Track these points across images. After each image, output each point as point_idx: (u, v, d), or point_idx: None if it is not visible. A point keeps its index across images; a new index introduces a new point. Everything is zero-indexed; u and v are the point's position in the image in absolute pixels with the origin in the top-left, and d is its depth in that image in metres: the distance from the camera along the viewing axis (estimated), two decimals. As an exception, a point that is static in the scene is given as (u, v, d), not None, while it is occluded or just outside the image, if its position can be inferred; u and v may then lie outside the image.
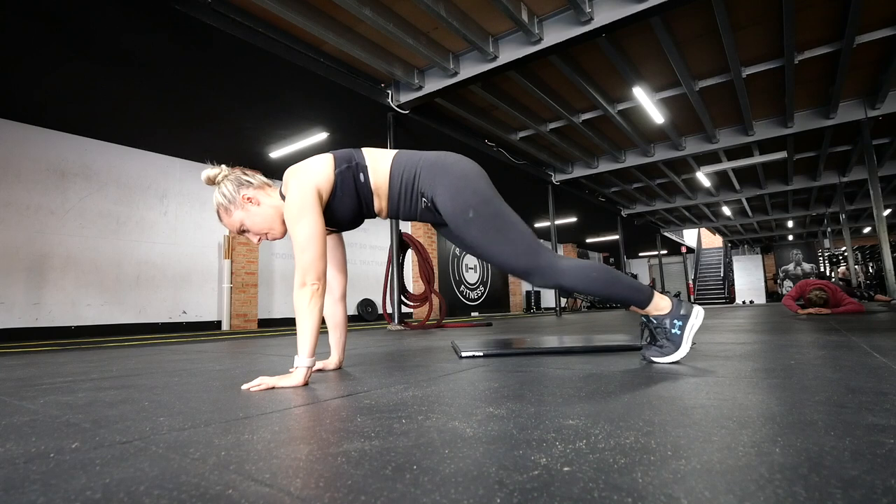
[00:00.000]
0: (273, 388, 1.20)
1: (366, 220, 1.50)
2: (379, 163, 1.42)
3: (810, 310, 4.75)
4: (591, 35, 4.37)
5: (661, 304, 1.45)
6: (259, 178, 1.47)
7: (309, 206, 1.31)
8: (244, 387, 1.21)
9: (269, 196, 1.45)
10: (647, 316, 1.49)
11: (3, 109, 5.39)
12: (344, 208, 1.42)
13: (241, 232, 1.47)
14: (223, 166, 1.46)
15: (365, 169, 1.40)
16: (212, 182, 1.44)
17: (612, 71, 5.55)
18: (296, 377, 1.24)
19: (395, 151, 1.46)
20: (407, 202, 1.43)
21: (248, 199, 1.42)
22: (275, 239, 1.49)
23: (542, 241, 1.48)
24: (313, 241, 1.30)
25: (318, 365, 1.56)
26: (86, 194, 6.20)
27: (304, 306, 1.28)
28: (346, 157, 1.40)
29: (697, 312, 1.46)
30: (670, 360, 1.45)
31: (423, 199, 1.40)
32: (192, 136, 6.46)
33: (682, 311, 1.45)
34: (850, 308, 4.66)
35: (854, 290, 6.62)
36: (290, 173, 1.39)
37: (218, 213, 1.45)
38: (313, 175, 1.35)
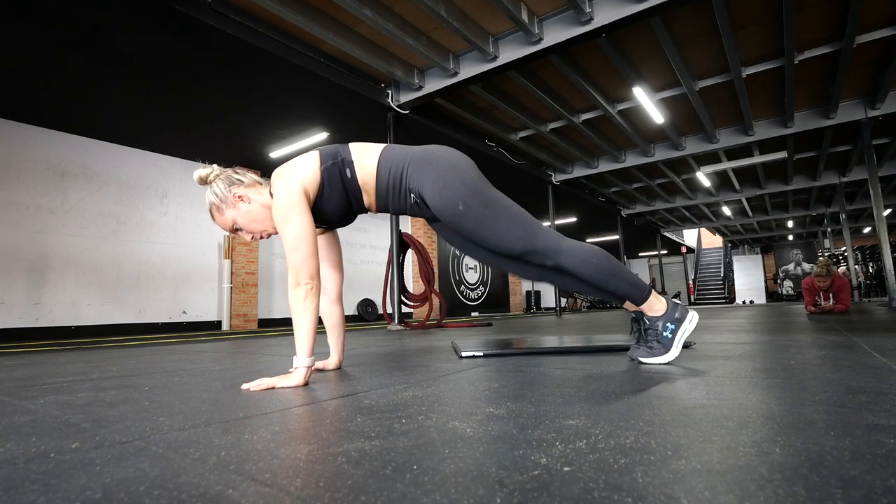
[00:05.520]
0: (273, 388, 1.20)
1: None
2: (366, 158, 1.40)
3: (822, 306, 4.90)
4: (591, 35, 4.37)
5: (656, 306, 1.44)
6: (250, 176, 1.47)
7: (296, 205, 1.30)
8: (244, 386, 1.22)
9: (260, 194, 1.44)
10: (640, 313, 1.47)
11: (3, 109, 5.39)
12: (333, 205, 1.41)
13: (235, 231, 1.46)
14: (214, 165, 1.46)
15: (351, 164, 1.39)
16: (204, 181, 1.44)
17: (612, 71, 5.55)
18: (295, 377, 1.24)
19: (383, 146, 1.44)
20: (396, 197, 1.42)
21: (240, 197, 1.41)
22: (270, 236, 1.49)
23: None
24: (302, 240, 1.29)
25: (318, 365, 1.56)
26: (86, 194, 6.20)
27: (299, 306, 1.28)
28: (331, 154, 1.39)
29: (692, 317, 1.45)
30: (658, 362, 1.43)
31: (412, 194, 1.39)
32: (192, 136, 6.46)
33: (676, 315, 1.43)
34: (839, 307, 4.74)
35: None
36: (276, 174, 1.38)
37: (210, 212, 1.45)
38: (299, 174, 1.34)
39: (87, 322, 6.05)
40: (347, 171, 1.38)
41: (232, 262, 7.55)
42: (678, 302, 1.49)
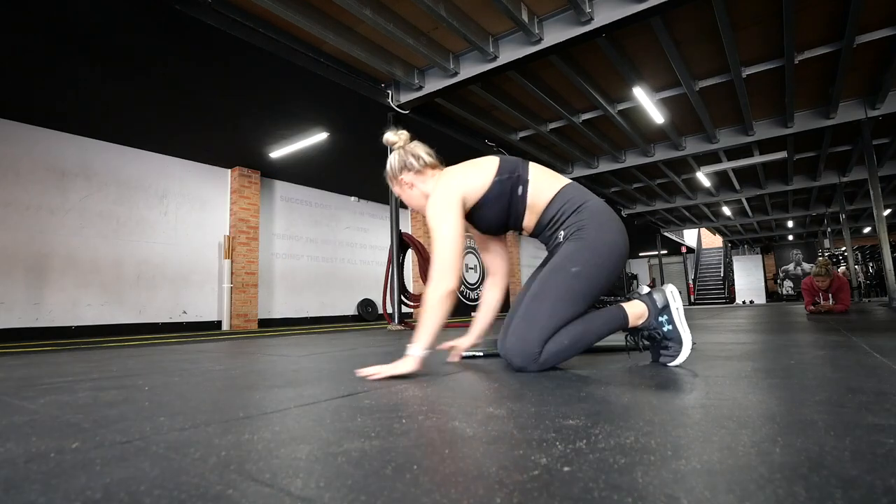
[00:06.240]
0: (391, 377, 1.29)
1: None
2: (544, 182, 1.47)
3: (821, 305, 4.90)
4: (591, 35, 4.37)
5: (638, 314, 1.43)
6: (425, 159, 1.53)
7: (451, 210, 1.38)
8: (360, 372, 1.34)
9: (425, 183, 1.53)
10: (635, 329, 1.44)
11: (3, 109, 5.39)
12: (490, 215, 1.48)
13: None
14: (402, 134, 1.55)
15: (526, 183, 1.45)
16: (389, 145, 1.57)
17: (612, 71, 5.55)
18: (407, 363, 1.31)
19: (568, 181, 1.51)
20: (551, 229, 1.48)
21: (403, 181, 1.53)
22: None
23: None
24: (453, 242, 1.35)
25: (451, 343, 1.75)
26: (86, 194, 6.20)
27: (435, 303, 1.33)
28: (511, 167, 1.46)
29: (671, 292, 1.44)
30: (685, 356, 1.40)
31: (563, 232, 1.44)
32: (192, 136, 6.46)
33: (658, 305, 1.42)
34: (839, 307, 4.74)
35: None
36: (448, 171, 1.48)
37: (386, 174, 1.58)
38: (464, 182, 1.42)
39: (87, 322, 6.05)
40: (520, 189, 1.45)
41: (232, 262, 7.55)
42: (649, 292, 1.46)
